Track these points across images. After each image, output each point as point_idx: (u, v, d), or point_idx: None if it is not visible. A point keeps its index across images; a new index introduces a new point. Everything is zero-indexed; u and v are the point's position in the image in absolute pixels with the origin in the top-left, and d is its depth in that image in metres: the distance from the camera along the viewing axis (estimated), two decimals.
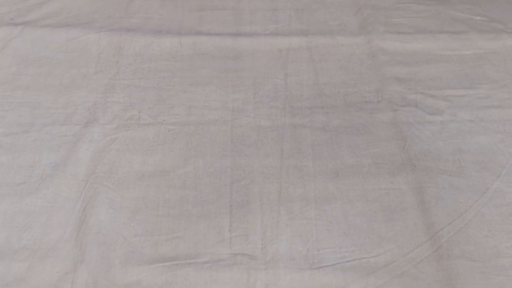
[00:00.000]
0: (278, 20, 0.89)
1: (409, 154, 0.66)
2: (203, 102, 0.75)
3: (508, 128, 0.70)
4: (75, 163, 0.64)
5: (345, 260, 0.54)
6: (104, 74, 0.79)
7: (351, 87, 0.76)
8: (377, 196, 0.61)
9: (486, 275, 0.53)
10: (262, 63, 0.81)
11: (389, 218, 0.59)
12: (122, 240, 0.56)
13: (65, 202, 0.59)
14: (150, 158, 0.66)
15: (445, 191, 0.62)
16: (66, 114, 0.71)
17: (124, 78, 0.78)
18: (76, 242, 0.55)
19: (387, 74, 0.79)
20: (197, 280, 0.52)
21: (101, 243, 0.55)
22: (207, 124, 0.71)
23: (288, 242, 0.56)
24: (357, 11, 0.91)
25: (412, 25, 0.89)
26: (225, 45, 0.85)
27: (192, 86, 0.78)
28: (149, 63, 0.82)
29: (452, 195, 0.62)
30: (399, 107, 0.74)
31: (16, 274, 0.53)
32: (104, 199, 0.60)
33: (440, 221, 0.59)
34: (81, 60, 0.81)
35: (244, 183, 0.63)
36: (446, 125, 0.72)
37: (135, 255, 0.54)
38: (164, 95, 0.76)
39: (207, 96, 0.76)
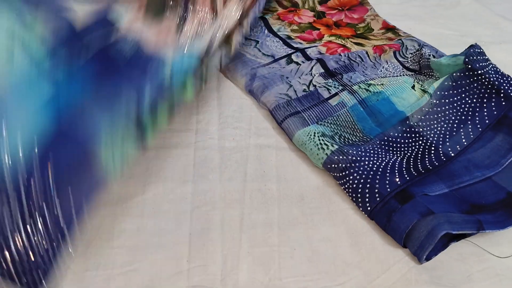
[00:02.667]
0: None
1: None
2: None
3: None
4: None
5: None
6: None
7: None
8: (343, 217, 0.58)
9: None
10: (227, 83, 0.79)
11: (355, 241, 0.56)
12: (71, 276, 0.52)
13: None
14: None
15: None
16: None
17: None
18: None
19: None
20: None
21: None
22: (169, 148, 0.68)
23: (249, 272, 0.53)
24: None
25: None
26: None
27: None
28: None
29: None
30: None
31: None
32: None
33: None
34: None
35: (205, 209, 0.60)
36: None
37: None
38: None
39: None
